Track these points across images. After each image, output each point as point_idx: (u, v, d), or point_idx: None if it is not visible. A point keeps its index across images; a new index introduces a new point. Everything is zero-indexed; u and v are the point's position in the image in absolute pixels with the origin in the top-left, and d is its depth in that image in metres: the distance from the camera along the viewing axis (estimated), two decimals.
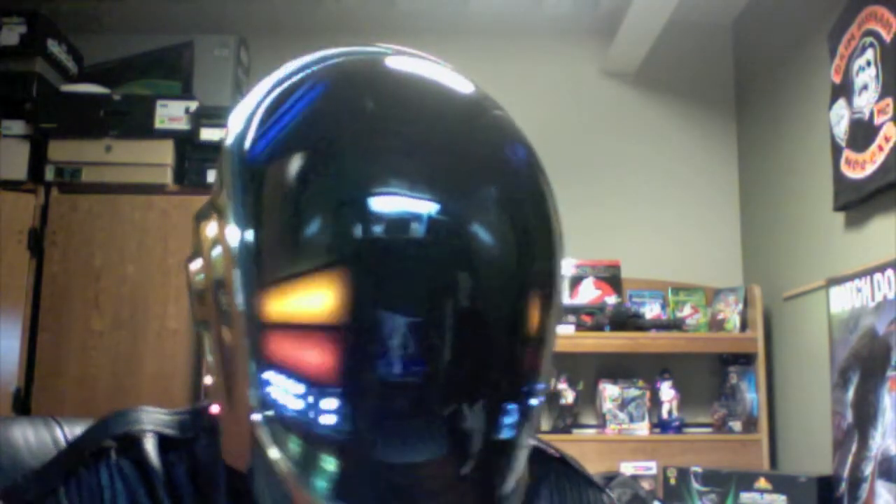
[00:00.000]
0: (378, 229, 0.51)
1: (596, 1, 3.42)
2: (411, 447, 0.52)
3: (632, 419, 3.08)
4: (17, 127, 2.82)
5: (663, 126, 3.50)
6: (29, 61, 2.85)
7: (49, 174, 2.81)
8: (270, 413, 0.51)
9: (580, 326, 3.02)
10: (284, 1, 3.45)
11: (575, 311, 3.05)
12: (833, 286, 2.55)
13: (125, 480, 0.60)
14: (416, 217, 0.52)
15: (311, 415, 0.51)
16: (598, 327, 3.03)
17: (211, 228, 0.56)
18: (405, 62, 0.62)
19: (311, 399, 0.51)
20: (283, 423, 0.51)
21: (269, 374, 0.51)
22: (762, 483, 2.65)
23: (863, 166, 2.39)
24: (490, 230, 0.54)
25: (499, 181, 0.57)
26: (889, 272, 2.25)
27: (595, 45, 3.49)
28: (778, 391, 3.06)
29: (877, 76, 2.34)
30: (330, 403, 0.51)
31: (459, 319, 0.52)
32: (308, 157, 0.54)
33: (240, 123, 0.57)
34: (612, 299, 3.12)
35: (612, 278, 3.19)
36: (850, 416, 2.41)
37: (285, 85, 0.58)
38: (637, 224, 3.40)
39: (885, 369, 2.24)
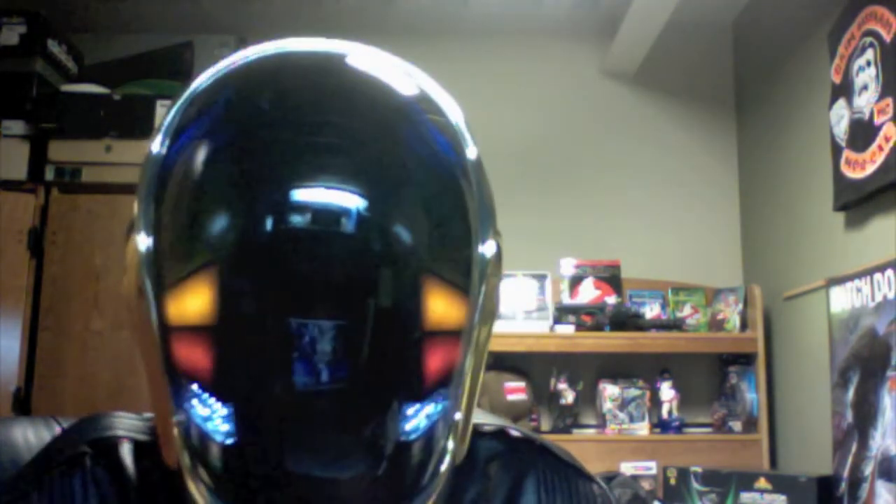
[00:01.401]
0: (257, 229, 0.51)
1: (596, 1, 3.42)
2: (308, 454, 0.51)
3: (632, 419, 3.08)
4: (17, 127, 2.82)
5: (663, 126, 3.50)
6: (29, 61, 2.85)
7: (49, 174, 2.80)
8: (181, 417, 0.52)
9: (580, 326, 3.02)
10: (284, 1, 3.45)
11: (575, 311, 3.05)
12: (833, 286, 2.55)
13: (98, 487, 0.60)
14: (300, 214, 0.51)
15: (205, 420, 0.51)
16: (598, 327, 3.03)
17: (129, 239, 0.57)
18: (327, 60, 0.60)
19: (204, 404, 0.51)
20: (186, 429, 0.52)
21: (175, 378, 0.52)
22: (762, 483, 2.65)
23: (863, 166, 2.39)
24: (397, 227, 0.53)
25: (398, 174, 0.55)
26: (889, 272, 2.25)
27: (595, 45, 3.50)
28: (778, 391, 3.06)
29: (877, 76, 2.34)
30: (218, 408, 0.51)
31: (348, 317, 0.51)
32: (199, 160, 0.54)
33: (156, 135, 0.58)
34: (612, 299, 3.13)
35: (612, 278, 3.19)
36: (850, 416, 2.41)
37: (197, 90, 0.59)
38: (637, 224, 3.40)
39: (885, 369, 2.24)
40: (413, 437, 0.52)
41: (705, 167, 3.49)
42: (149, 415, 0.65)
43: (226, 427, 0.51)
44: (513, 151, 3.42)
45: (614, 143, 3.48)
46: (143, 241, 0.54)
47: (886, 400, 2.23)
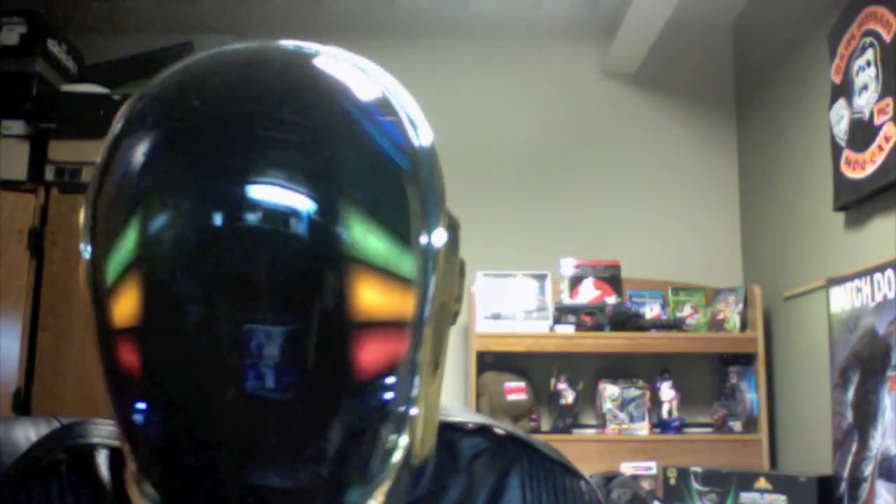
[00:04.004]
0: (187, 226, 0.50)
1: (596, 1, 3.42)
2: (248, 462, 0.50)
3: (632, 419, 3.08)
4: (17, 127, 2.82)
5: (663, 126, 3.50)
6: (29, 61, 2.85)
7: (49, 174, 2.80)
8: (125, 426, 0.52)
9: (580, 326, 3.02)
10: (284, 1, 3.45)
11: (575, 311, 3.05)
12: (833, 286, 2.55)
13: (75, 495, 0.60)
14: (231, 209, 0.50)
15: (146, 427, 0.51)
16: (598, 327, 3.03)
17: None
18: (273, 56, 0.59)
19: (144, 410, 0.51)
20: (128, 436, 0.52)
21: (117, 385, 0.52)
22: (762, 483, 2.65)
23: (863, 166, 2.39)
24: (310, 215, 0.50)
25: (337, 169, 0.53)
26: (889, 272, 2.25)
27: (595, 45, 3.50)
28: (778, 391, 3.06)
29: (877, 76, 2.34)
30: (157, 415, 0.51)
31: (282, 315, 0.49)
32: (134, 160, 0.53)
33: (105, 138, 0.58)
34: (612, 299, 3.12)
35: (612, 278, 3.19)
36: (850, 416, 2.41)
37: (143, 93, 0.58)
38: (637, 224, 3.40)
39: (885, 369, 2.24)
40: (353, 432, 0.51)
41: (705, 167, 3.49)
42: None
43: (164, 433, 0.50)
44: (513, 151, 3.42)
45: (614, 143, 3.48)
46: (85, 249, 0.54)
47: (886, 400, 2.23)
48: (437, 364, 0.57)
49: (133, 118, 0.56)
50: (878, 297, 2.30)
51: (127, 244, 0.51)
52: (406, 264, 0.53)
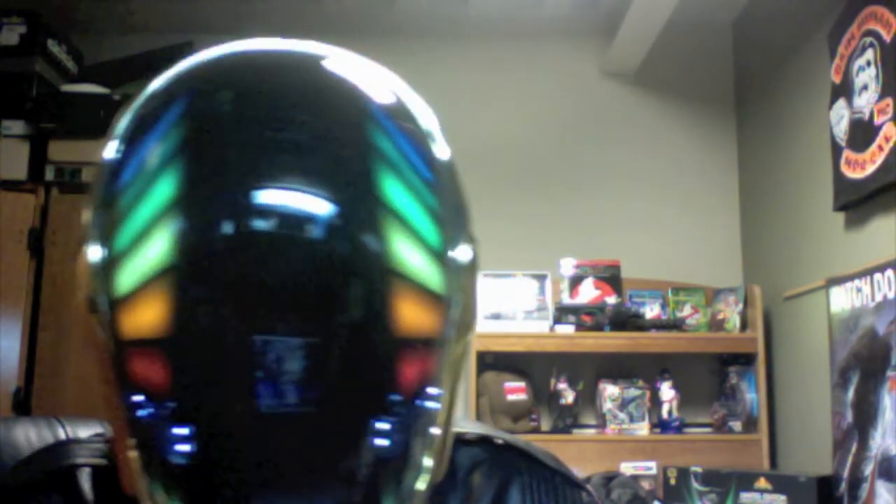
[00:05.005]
0: (214, 233, 0.48)
1: (596, 1, 3.42)
2: (276, 482, 0.47)
3: (632, 419, 3.08)
4: (17, 127, 2.82)
5: (663, 126, 3.50)
6: (29, 61, 2.85)
7: (49, 174, 2.80)
8: (137, 440, 0.49)
9: (580, 326, 3.02)
10: (284, 1, 3.45)
11: (575, 311, 3.05)
12: (833, 286, 2.55)
13: None
14: (261, 217, 0.48)
15: (162, 439, 0.48)
16: (598, 327, 3.03)
17: (80, 255, 0.54)
18: (293, 59, 0.57)
19: (162, 425, 0.48)
20: (145, 450, 0.49)
21: (131, 397, 0.49)
22: (762, 483, 2.65)
23: (863, 166, 2.39)
24: (345, 225, 0.49)
25: (366, 177, 0.51)
26: (889, 272, 2.25)
27: (595, 46, 3.50)
28: (778, 391, 3.06)
29: (877, 76, 2.34)
30: (177, 430, 0.47)
31: (314, 330, 0.47)
32: (153, 163, 0.51)
33: (111, 136, 0.55)
34: (612, 299, 3.12)
35: (612, 278, 3.19)
36: (850, 416, 2.41)
37: (155, 92, 0.56)
38: (637, 224, 3.40)
39: (885, 369, 2.24)
40: (386, 456, 0.49)
41: (705, 167, 3.49)
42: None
43: (185, 450, 0.47)
44: (513, 151, 3.42)
45: (614, 143, 3.48)
46: (95, 252, 0.51)
47: (886, 400, 2.23)
48: (457, 381, 0.55)
49: (157, 114, 0.54)
50: (878, 297, 2.30)
51: (156, 250, 0.48)
52: (437, 280, 0.51)
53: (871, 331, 2.32)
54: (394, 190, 0.51)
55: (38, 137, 2.82)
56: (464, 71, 3.45)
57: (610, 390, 3.11)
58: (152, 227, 0.49)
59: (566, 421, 3.10)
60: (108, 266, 0.50)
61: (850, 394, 2.41)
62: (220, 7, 3.44)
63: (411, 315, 0.50)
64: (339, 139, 0.52)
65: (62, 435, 0.76)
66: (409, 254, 0.50)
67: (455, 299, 0.52)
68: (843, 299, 2.49)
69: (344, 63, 0.57)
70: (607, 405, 3.10)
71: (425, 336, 0.51)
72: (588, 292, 3.16)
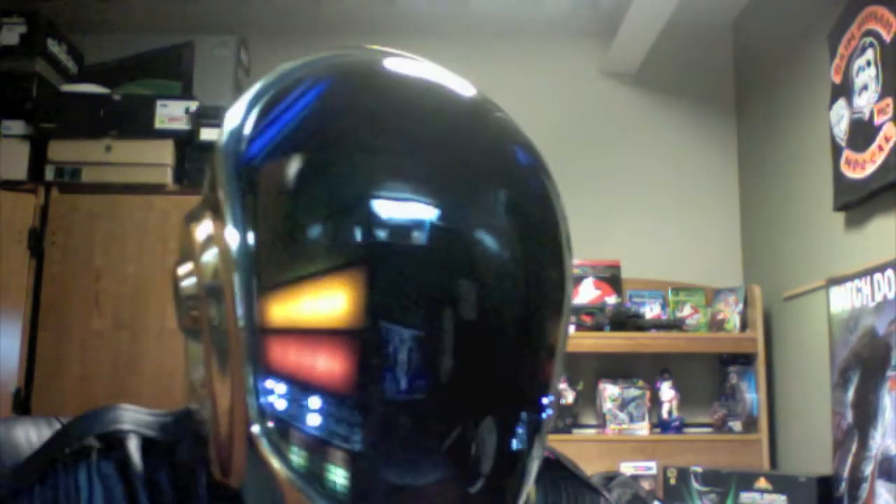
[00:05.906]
0: (383, 233, 0.50)
1: (596, 1, 3.42)
2: (420, 464, 0.50)
3: (632, 419, 3.08)
4: (17, 127, 2.82)
5: (663, 126, 3.50)
6: (29, 61, 2.85)
7: (49, 174, 2.81)
8: (270, 424, 0.50)
9: (580, 326, 3.02)
10: (284, 1, 3.45)
11: (575, 311, 3.05)
12: (833, 286, 2.55)
13: (104, 482, 0.57)
14: (422, 221, 0.50)
15: (315, 426, 0.49)
16: (598, 327, 3.03)
17: (202, 231, 0.54)
18: (402, 62, 0.61)
19: (314, 409, 0.49)
20: (284, 435, 0.49)
21: (269, 384, 0.49)
22: (762, 483, 2.65)
23: (863, 166, 2.39)
24: (498, 236, 0.53)
25: (506, 185, 0.56)
26: (889, 272, 2.25)
27: (595, 46, 3.50)
28: (778, 391, 3.06)
29: (877, 76, 2.34)
30: (334, 413, 0.49)
31: (468, 330, 0.50)
32: (309, 156, 0.52)
33: (235, 123, 0.55)
34: (612, 299, 3.13)
35: (612, 278, 3.19)
36: (850, 416, 2.41)
37: (283, 83, 0.56)
38: (637, 224, 3.40)
39: (885, 369, 2.24)
40: (520, 448, 0.53)
41: (705, 167, 3.49)
42: (157, 411, 0.63)
43: (349, 435, 0.49)
44: None
45: (614, 143, 3.48)
46: (235, 237, 0.51)
47: (886, 400, 2.23)
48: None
49: (292, 110, 0.54)
50: (878, 298, 2.30)
51: (319, 244, 0.50)
52: (561, 286, 0.57)
53: (871, 331, 2.32)
54: (527, 199, 0.59)
55: (38, 137, 2.82)
56: (463, 71, 3.42)
57: (610, 390, 3.11)
58: (309, 225, 0.50)
59: (566, 421, 3.10)
60: (256, 254, 0.50)
61: (850, 394, 2.41)
62: (220, 7, 3.44)
63: (548, 324, 0.55)
64: (513, 167, 0.58)
65: None
66: (551, 275, 0.57)
67: (567, 304, 0.58)
68: (843, 299, 2.49)
69: (462, 81, 0.63)
70: (607, 405, 3.11)
71: (554, 342, 0.56)
72: (588, 292, 3.16)
